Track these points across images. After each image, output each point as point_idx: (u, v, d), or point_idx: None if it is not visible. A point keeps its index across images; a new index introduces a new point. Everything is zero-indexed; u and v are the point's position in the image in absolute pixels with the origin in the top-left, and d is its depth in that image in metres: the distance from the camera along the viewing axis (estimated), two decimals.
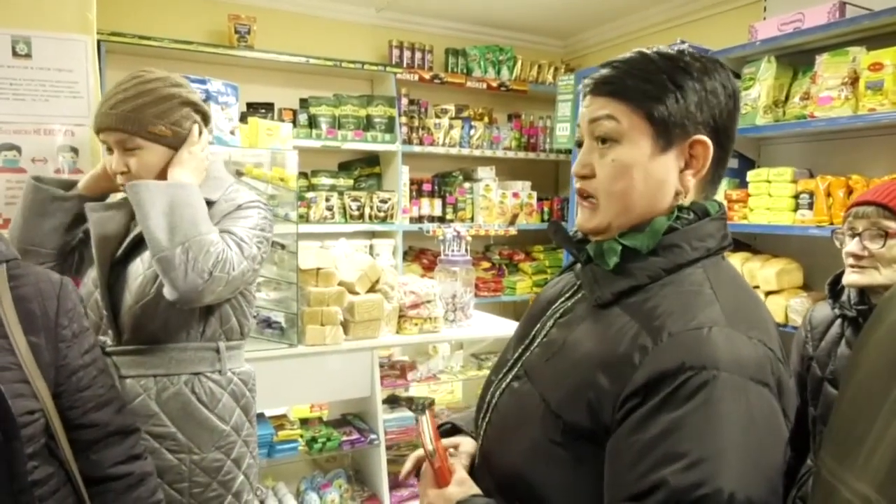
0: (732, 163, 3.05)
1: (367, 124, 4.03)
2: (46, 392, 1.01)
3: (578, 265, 0.93)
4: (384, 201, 4.05)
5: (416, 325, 2.57)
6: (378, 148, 4.11)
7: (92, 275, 1.53)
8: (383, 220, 4.04)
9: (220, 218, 1.52)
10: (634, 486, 0.69)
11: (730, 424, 0.68)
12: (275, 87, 4.04)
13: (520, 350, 0.93)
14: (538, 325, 0.93)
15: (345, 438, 2.42)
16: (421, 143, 4.21)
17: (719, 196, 2.96)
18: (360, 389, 2.46)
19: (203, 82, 2.18)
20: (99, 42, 3.21)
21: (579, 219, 0.89)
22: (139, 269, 1.48)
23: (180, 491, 1.47)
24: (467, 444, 1.00)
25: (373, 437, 2.45)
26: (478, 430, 0.96)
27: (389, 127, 4.06)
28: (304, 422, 2.54)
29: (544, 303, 0.97)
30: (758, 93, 2.77)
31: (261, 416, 2.31)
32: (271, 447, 2.26)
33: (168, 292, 1.38)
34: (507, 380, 0.91)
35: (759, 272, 2.75)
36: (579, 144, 0.90)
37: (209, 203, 1.51)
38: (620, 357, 0.76)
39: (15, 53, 1.89)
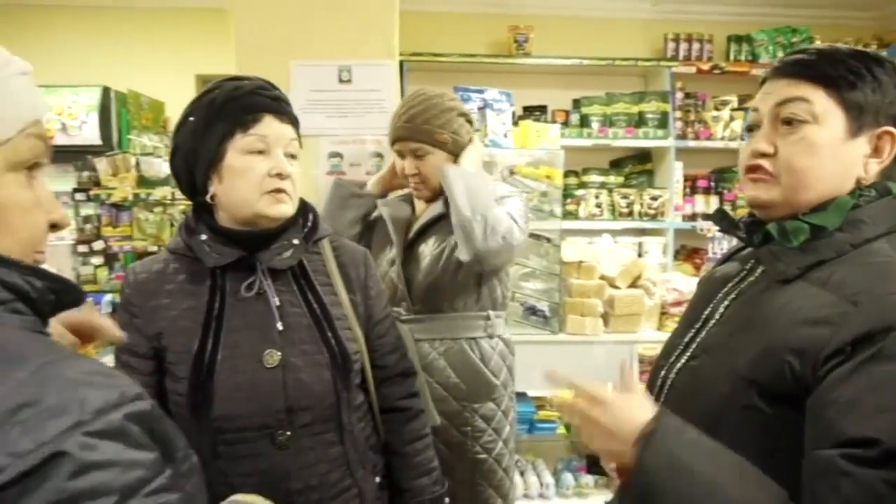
0: None
1: (639, 121, 4.01)
2: (361, 338, 1.28)
3: (742, 253, 1.00)
4: (655, 198, 3.98)
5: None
6: (650, 144, 4.05)
7: (387, 256, 1.86)
8: (653, 217, 3.98)
9: None
10: (843, 435, 0.72)
11: None
12: (548, 90, 4.24)
13: (692, 333, 0.97)
14: (709, 309, 0.97)
15: None
16: (696, 137, 4.04)
17: None
18: (618, 381, 2.51)
19: (481, 92, 2.45)
20: (402, 62, 3.77)
21: (752, 192, 0.92)
22: (426, 251, 1.79)
23: (464, 433, 1.77)
24: None
25: None
26: None
27: (662, 122, 3.98)
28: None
29: (711, 289, 1.00)
30: None
31: (523, 395, 2.51)
32: (532, 424, 2.45)
33: (465, 253, 1.66)
34: (683, 360, 0.96)
35: None
36: (750, 129, 0.94)
37: None
38: (818, 321, 0.79)
39: (340, 80, 2.35)
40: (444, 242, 1.77)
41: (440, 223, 1.79)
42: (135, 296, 1.19)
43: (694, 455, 0.77)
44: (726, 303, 0.95)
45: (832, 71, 0.85)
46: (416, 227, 1.82)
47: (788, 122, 0.87)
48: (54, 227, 0.70)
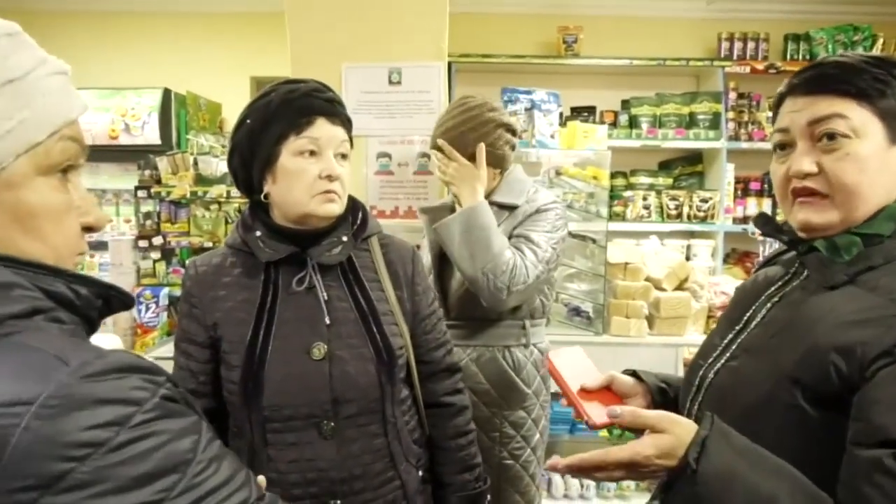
0: None
1: (690, 122, 3.95)
2: (407, 334, 1.29)
3: (784, 256, 1.00)
4: (705, 201, 3.91)
5: None
6: (700, 146, 3.98)
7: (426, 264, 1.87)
8: (703, 220, 3.91)
9: (524, 218, 1.75)
10: (888, 436, 0.72)
11: None
12: (597, 91, 4.21)
13: (731, 334, 0.97)
14: (750, 311, 0.97)
15: None
16: (750, 138, 3.95)
17: None
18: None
19: (529, 93, 2.46)
20: (451, 64, 3.81)
21: (803, 216, 0.90)
22: None
23: (493, 439, 1.79)
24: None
25: None
26: (686, 413, 0.98)
27: (714, 123, 3.91)
28: None
29: (753, 292, 1.00)
30: None
31: None
32: (573, 425, 2.45)
33: (481, 300, 1.68)
34: (722, 361, 0.96)
35: None
36: (781, 147, 0.93)
37: (514, 207, 1.75)
38: (866, 322, 0.79)
39: (390, 82, 2.40)
40: None
41: None
42: (195, 287, 1.26)
43: (745, 462, 0.77)
44: (769, 305, 0.94)
45: (860, 83, 0.85)
46: None
47: (829, 138, 0.87)
48: (90, 229, 0.68)
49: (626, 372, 1.14)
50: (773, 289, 0.96)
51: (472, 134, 1.73)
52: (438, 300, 1.80)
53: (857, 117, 0.85)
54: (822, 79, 0.88)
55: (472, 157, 1.73)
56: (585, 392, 1.03)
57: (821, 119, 0.87)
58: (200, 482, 0.57)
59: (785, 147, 0.92)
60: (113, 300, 0.68)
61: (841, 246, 0.87)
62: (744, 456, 0.78)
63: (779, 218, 1.01)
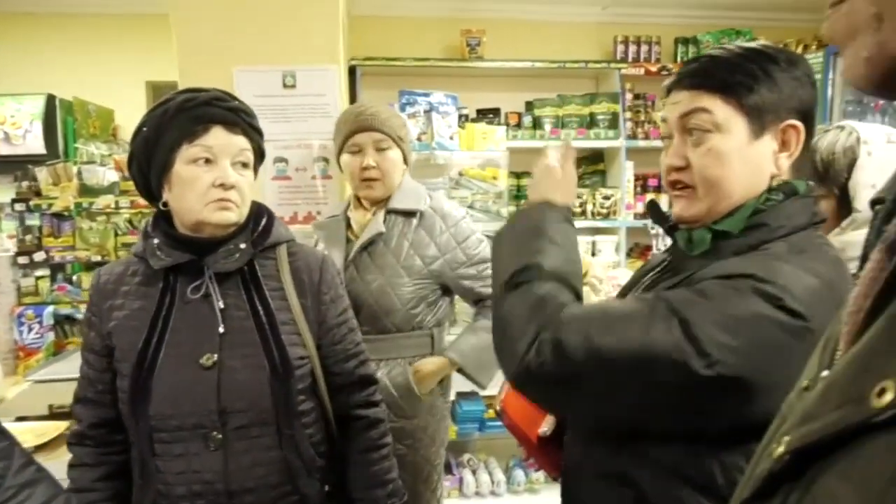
0: None
1: (591, 122, 4.08)
2: (311, 343, 1.26)
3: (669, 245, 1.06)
4: (607, 198, 4.05)
5: None
6: (601, 145, 4.12)
7: None
8: (606, 216, 4.05)
9: (441, 233, 1.79)
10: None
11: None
12: (501, 93, 4.27)
13: None
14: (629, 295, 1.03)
15: None
16: (646, 137, 4.12)
17: None
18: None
19: (426, 95, 2.47)
20: (355, 67, 3.77)
21: (677, 209, 0.94)
22: (375, 275, 1.77)
23: (407, 446, 1.80)
24: None
25: None
26: None
27: (613, 123, 4.05)
28: None
29: (637, 278, 1.07)
30: None
31: (474, 394, 2.53)
32: (482, 423, 2.47)
33: None
34: None
35: None
36: (664, 139, 0.97)
37: (414, 213, 1.78)
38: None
39: (284, 85, 2.35)
40: (396, 266, 1.77)
41: (387, 243, 1.79)
42: (95, 296, 1.25)
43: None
44: (641, 290, 1.00)
45: (728, 78, 0.88)
46: (356, 247, 1.80)
47: (693, 132, 0.90)
48: None
49: None
50: (648, 276, 1.02)
51: (397, 121, 1.81)
52: None
53: (720, 113, 0.88)
54: (694, 73, 0.91)
55: (396, 140, 1.80)
56: (542, 440, 1.12)
57: (688, 113, 0.90)
58: None
59: (666, 139, 0.96)
60: None
61: (695, 240, 0.91)
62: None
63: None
